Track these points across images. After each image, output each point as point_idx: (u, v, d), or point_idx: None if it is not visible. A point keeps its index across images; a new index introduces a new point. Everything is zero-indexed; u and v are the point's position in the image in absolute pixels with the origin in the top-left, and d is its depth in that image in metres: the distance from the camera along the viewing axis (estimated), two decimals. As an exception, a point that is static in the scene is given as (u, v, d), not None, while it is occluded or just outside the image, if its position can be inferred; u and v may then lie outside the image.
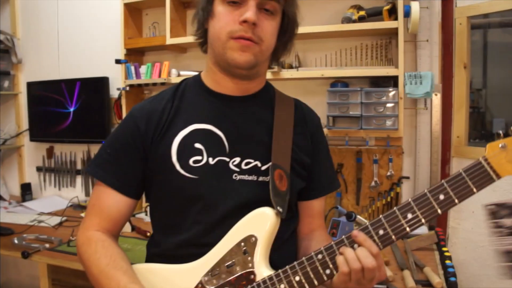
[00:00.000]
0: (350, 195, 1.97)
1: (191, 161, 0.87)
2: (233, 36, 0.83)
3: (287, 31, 0.91)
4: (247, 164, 0.90)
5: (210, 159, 0.88)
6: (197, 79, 0.97)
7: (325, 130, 1.81)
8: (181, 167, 0.87)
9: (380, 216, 0.76)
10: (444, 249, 1.54)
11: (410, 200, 0.75)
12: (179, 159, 0.87)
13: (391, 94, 1.74)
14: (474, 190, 0.71)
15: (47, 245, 1.71)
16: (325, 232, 1.04)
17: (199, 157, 0.87)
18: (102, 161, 0.92)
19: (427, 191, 0.74)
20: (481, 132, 2.00)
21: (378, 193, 1.92)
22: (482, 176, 0.70)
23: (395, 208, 0.76)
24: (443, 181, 0.73)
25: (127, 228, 1.91)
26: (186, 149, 0.88)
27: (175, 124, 0.90)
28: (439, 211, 0.73)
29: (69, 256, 1.62)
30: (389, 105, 1.74)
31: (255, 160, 0.90)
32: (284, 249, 0.91)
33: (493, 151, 0.71)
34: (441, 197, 0.73)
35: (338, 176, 1.92)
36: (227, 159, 0.89)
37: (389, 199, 1.89)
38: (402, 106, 1.73)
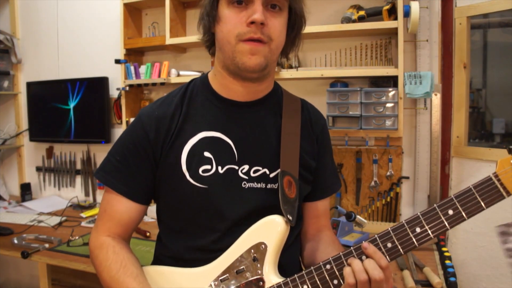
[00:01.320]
0: (350, 195, 1.97)
1: (200, 171, 0.87)
2: (242, 38, 0.81)
3: (295, 26, 0.90)
4: (255, 171, 0.90)
5: (219, 167, 0.88)
6: (205, 81, 0.95)
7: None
8: (191, 176, 0.87)
9: (388, 228, 0.76)
10: (444, 249, 1.54)
11: (419, 214, 0.74)
12: (188, 168, 0.87)
13: (390, 94, 1.74)
14: (484, 206, 0.70)
15: (46, 245, 1.71)
16: (331, 233, 1.03)
17: (208, 166, 0.87)
18: (111, 167, 0.91)
19: (436, 206, 0.73)
20: (481, 132, 1.99)
21: (377, 193, 1.91)
22: (492, 192, 0.70)
23: (403, 221, 0.75)
24: (452, 196, 0.72)
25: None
26: (195, 158, 0.87)
27: (184, 131, 0.89)
28: (447, 226, 0.72)
29: (69, 256, 1.62)
30: (388, 105, 1.74)
31: (263, 168, 0.90)
32: (288, 253, 0.91)
33: (504, 167, 0.69)
34: (450, 212, 0.72)
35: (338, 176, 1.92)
36: (236, 167, 0.89)
37: (388, 199, 1.89)
38: (401, 106, 1.73)
